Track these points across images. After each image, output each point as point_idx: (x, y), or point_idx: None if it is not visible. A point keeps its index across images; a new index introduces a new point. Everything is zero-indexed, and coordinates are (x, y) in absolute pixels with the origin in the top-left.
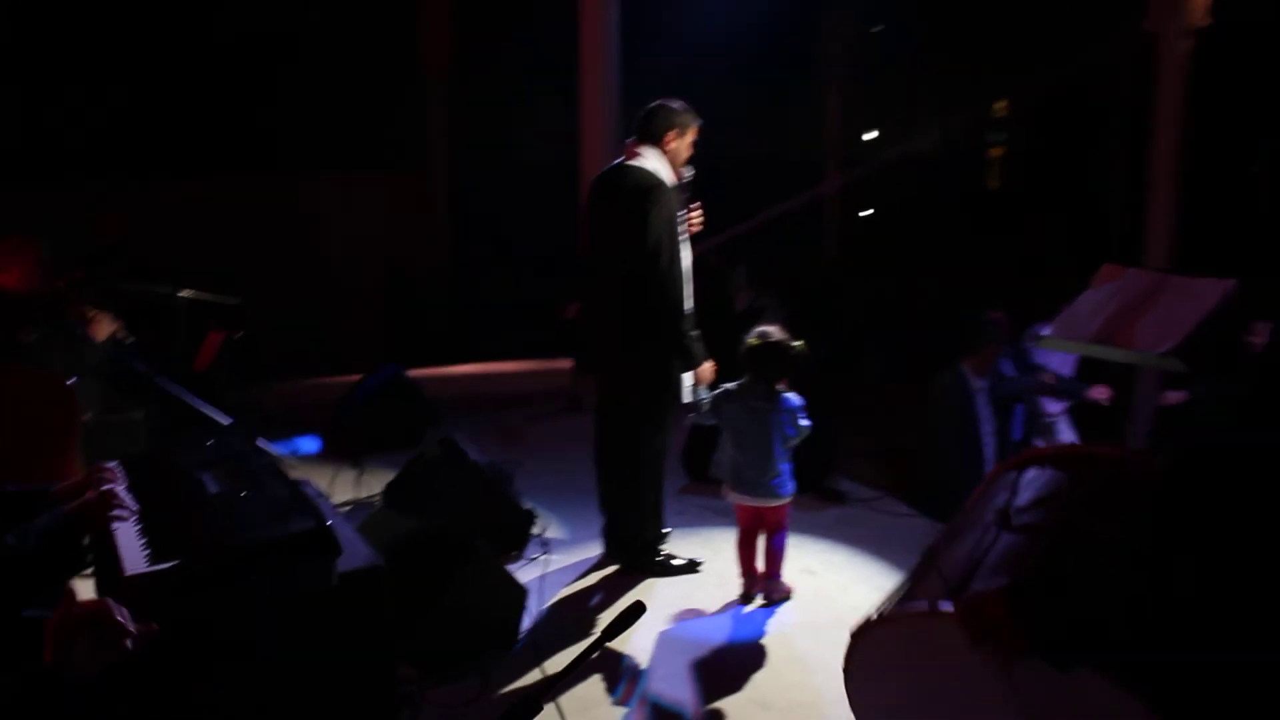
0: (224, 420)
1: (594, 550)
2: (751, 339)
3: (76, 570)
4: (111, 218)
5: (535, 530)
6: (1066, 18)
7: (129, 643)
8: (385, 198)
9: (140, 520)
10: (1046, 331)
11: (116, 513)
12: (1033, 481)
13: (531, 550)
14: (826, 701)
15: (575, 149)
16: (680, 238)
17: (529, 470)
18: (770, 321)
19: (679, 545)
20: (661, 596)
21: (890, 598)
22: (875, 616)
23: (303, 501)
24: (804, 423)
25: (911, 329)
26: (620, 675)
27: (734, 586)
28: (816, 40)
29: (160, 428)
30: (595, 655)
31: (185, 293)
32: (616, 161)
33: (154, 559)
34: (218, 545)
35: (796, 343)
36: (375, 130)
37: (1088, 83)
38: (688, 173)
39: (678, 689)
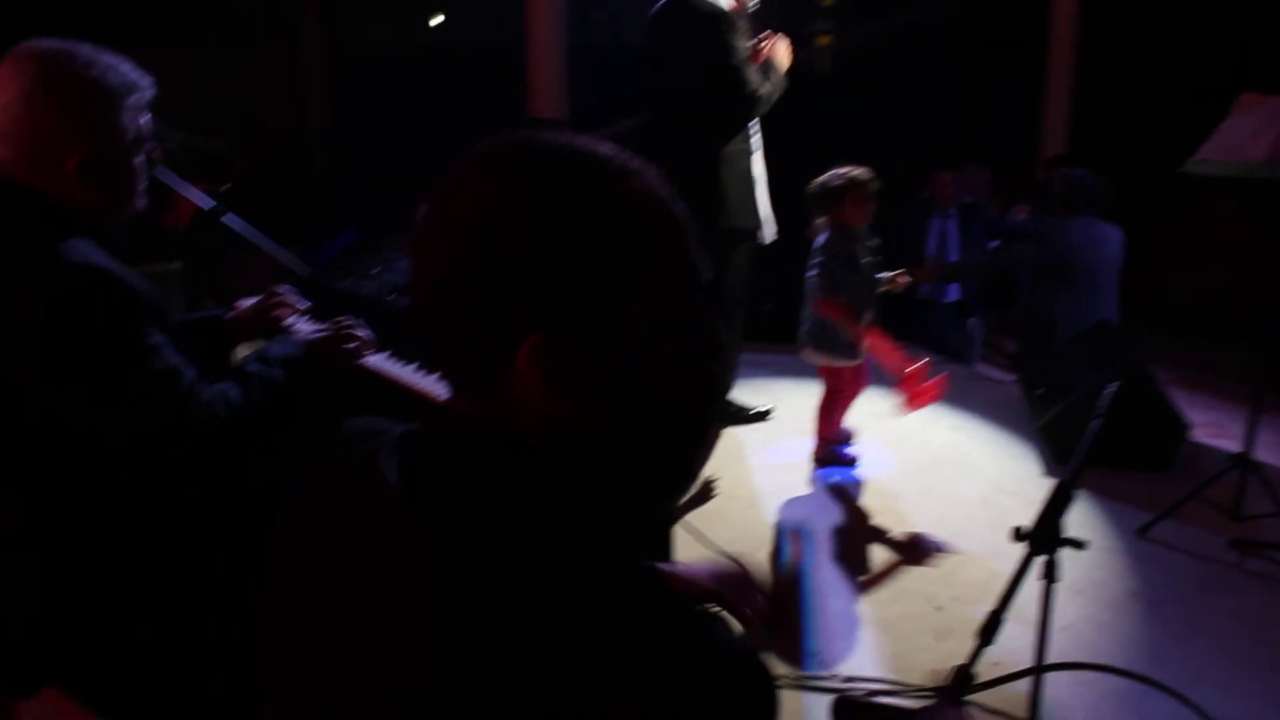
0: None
1: None
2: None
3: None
4: None
5: None
6: None
7: None
8: (248, 73)
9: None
10: (1201, 156)
11: (359, 344)
12: None
13: None
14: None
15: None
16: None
17: None
18: None
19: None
20: (751, 442)
21: None
22: None
23: None
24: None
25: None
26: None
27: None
28: None
29: (197, 280)
30: None
31: (173, 134)
32: None
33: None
34: None
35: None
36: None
37: None
38: (752, 1)
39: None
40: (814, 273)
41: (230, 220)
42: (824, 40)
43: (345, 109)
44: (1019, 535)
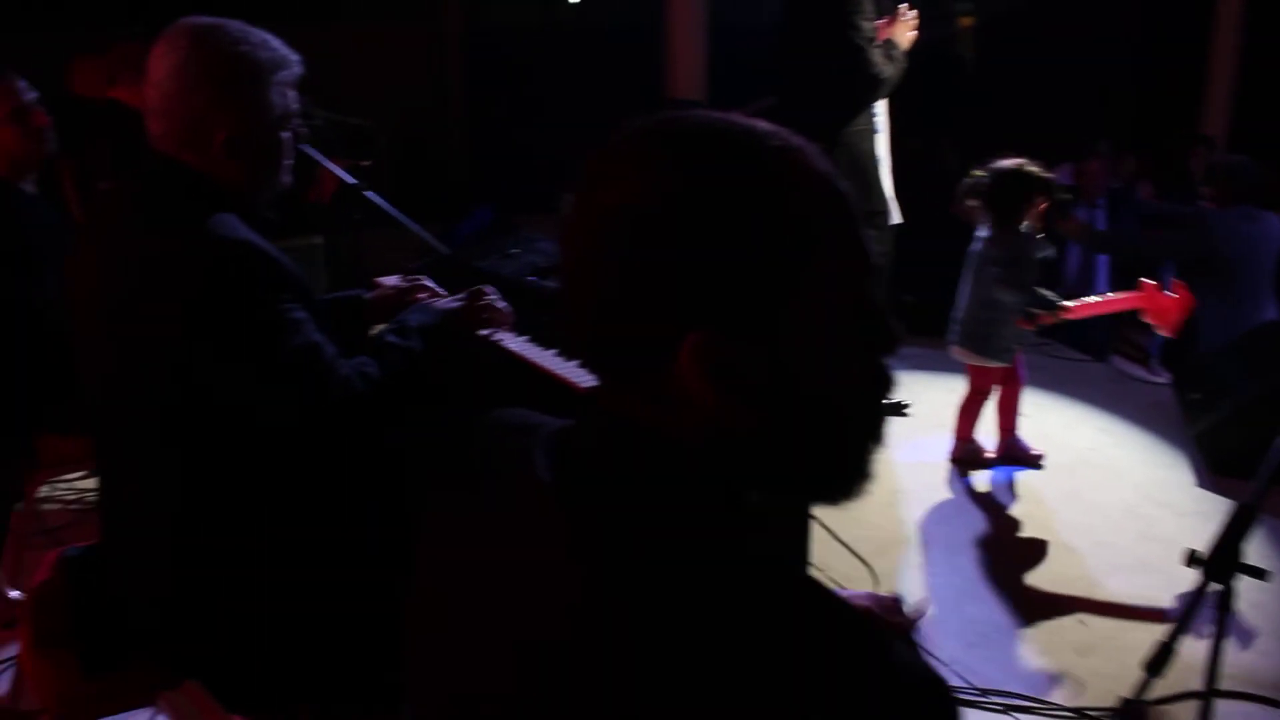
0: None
1: None
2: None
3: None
4: None
5: None
6: None
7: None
8: (388, 52)
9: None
10: None
11: (497, 319)
12: None
13: None
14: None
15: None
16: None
17: None
18: None
19: None
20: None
21: None
22: None
23: None
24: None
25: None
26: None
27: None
28: None
29: (338, 255)
30: None
31: (318, 113)
32: None
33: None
34: None
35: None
36: None
37: None
38: None
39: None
40: (984, 283)
41: (371, 196)
42: (966, 21)
43: (484, 87)
44: (1193, 560)
